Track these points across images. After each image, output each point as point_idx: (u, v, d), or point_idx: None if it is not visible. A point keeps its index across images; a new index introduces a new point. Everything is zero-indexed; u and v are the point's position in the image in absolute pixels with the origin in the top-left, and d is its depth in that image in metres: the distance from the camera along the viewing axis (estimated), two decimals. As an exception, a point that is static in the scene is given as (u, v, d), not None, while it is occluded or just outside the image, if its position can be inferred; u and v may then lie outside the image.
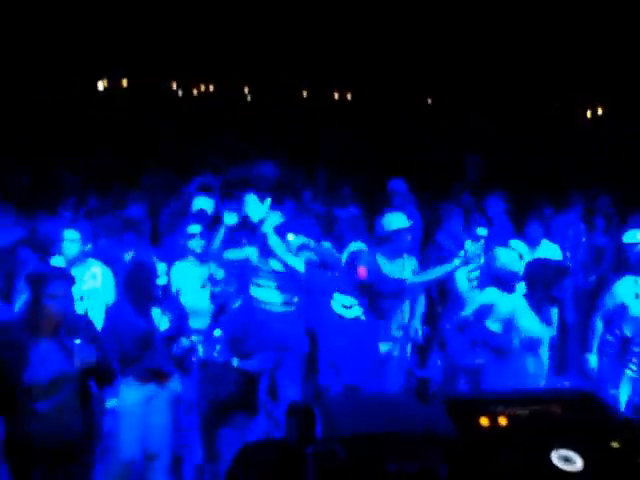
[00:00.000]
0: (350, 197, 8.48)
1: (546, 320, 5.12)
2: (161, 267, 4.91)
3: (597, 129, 17.37)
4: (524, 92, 17.66)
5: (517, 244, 6.48)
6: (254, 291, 5.67)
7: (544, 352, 5.13)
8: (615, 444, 2.96)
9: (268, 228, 5.47)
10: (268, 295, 5.62)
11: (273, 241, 5.44)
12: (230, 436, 5.05)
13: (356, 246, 6.21)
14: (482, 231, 6.53)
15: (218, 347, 4.96)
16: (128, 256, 5.82)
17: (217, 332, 5.01)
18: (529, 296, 5.08)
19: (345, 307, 5.13)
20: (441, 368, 6.25)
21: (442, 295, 6.60)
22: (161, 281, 4.88)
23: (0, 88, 17.91)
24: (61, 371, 3.87)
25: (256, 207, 5.49)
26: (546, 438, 2.99)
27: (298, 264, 5.50)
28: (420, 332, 6.05)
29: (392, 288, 5.59)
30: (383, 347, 5.63)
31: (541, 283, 5.04)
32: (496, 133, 15.45)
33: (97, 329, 4.25)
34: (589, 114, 20.03)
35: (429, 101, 20.25)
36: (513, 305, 5.08)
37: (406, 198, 7.99)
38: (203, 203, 6.81)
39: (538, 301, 5.04)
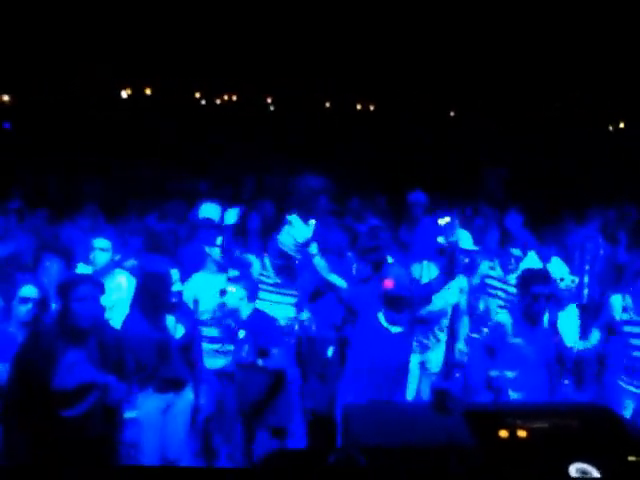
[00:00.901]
0: (368, 210, 8.51)
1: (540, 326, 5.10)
2: (174, 273, 4.90)
3: (619, 142, 17.26)
4: (546, 105, 17.59)
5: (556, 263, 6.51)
6: (261, 304, 5.66)
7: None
8: (632, 458, 2.98)
9: (314, 249, 5.55)
10: (278, 311, 5.62)
11: (318, 261, 5.52)
12: (264, 439, 5.06)
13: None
14: (516, 252, 6.50)
15: (246, 347, 4.99)
16: (130, 263, 5.87)
17: (241, 333, 5.00)
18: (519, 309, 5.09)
19: (391, 321, 5.15)
20: (461, 380, 6.24)
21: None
22: (175, 287, 4.88)
23: (26, 95, 18.18)
24: (87, 380, 3.90)
25: (301, 228, 5.56)
26: (564, 451, 3.02)
27: (339, 281, 5.59)
28: (465, 355, 6.00)
29: (422, 292, 5.63)
30: (415, 359, 5.63)
31: (527, 294, 5.04)
32: (517, 146, 15.40)
33: (125, 341, 4.27)
34: (611, 127, 19.93)
35: (451, 113, 20.22)
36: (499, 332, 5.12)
37: (426, 209, 8.00)
38: (209, 211, 6.85)
39: (529, 313, 5.04)
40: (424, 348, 5.79)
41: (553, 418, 3.33)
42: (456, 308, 5.98)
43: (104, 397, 3.88)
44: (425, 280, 5.90)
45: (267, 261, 5.76)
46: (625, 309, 5.39)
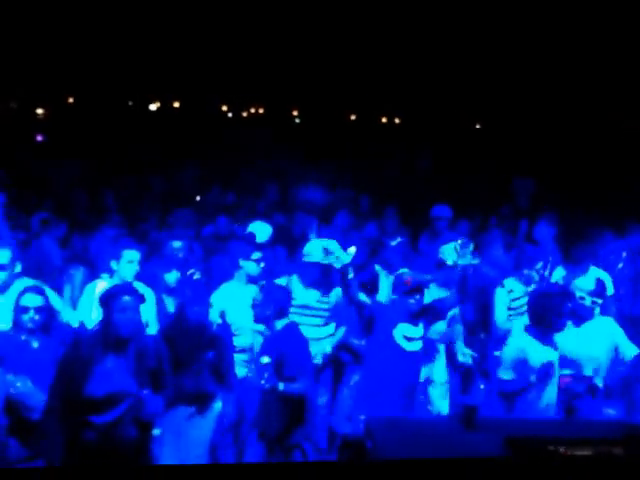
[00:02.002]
0: (396, 224, 8.53)
1: (552, 346, 5.07)
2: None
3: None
4: (580, 112, 17.46)
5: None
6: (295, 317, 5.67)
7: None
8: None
9: (352, 274, 5.62)
10: (310, 331, 5.65)
11: (352, 283, 5.56)
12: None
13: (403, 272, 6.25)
14: (539, 266, 6.47)
15: (266, 374, 4.98)
16: (171, 277, 5.93)
17: (264, 359, 4.97)
18: (533, 328, 5.06)
19: (407, 338, 5.16)
20: (484, 393, 6.20)
21: (484, 322, 6.54)
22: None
23: (59, 108, 18.52)
24: (119, 389, 4.00)
25: (340, 254, 5.62)
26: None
27: (365, 298, 5.63)
28: (469, 357, 5.99)
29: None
30: (425, 371, 5.62)
31: (545, 315, 5.01)
32: (548, 156, 15.26)
33: (165, 351, 4.31)
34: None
35: (477, 126, 20.16)
36: (517, 344, 5.08)
37: (450, 224, 8.00)
38: (258, 228, 6.98)
39: (543, 332, 5.01)
40: (428, 360, 5.76)
41: (596, 445, 3.25)
42: (451, 317, 5.98)
43: (138, 410, 3.97)
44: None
45: (296, 280, 5.78)
46: None
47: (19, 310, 4.66)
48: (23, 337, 4.65)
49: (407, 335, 5.21)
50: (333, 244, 5.76)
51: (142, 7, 16.20)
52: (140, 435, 4.17)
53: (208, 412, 4.88)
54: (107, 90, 18.43)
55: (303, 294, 5.73)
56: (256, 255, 5.96)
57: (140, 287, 5.44)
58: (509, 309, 6.30)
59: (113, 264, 5.65)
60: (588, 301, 5.64)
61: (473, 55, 16.83)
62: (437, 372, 5.86)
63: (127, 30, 16.52)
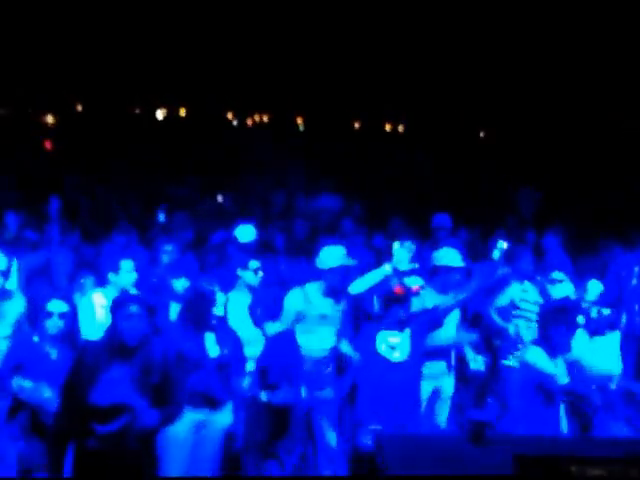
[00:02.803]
0: (400, 231, 8.56)
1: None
2: (221, 297, 4.98)
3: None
4: (586, 120, 17.47)
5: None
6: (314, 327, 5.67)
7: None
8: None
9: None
10: (308, 341, 5.65)
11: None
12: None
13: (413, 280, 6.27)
14: (558, 275, 6.48)
15: (248, 379, 4.91)
16: (180, 283, 5.96)
17: (250, 364, 4.95)
18: (542, 341, 5.06)
19: (390, 348, 5.12)
20: (495, 407, 6.19)
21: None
22: (219, 311, 4.96)
23: (68, 115, 18.59)
24: (123, 400, 4.00)
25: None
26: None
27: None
28: (481, 363, 5.98)
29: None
30: (428, 386, 5.59)
31: (552, 327, 5.01)
32: (555, 165, 15.26)
33: (172, 363, 4.30)
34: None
35: (481, 134, 20.18)
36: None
37: (450, 234, 8.01)
38: (244, 233, 6.96)
39: (553, 345, 5.01)
40: (436, 374, 5.72)
41: (611, 465, 3.24)
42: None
43: (134, 421, 3.97)
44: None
45: (314, 289, 5.74)
46: None
47: (43, 315, 4.72)
48: (46, 347, 4.69)
49: (390, 343, 5.15)
50: (341, 251, 5.76)
51: (149, 15, 16.29)
52: (144, 449, 4.16)
53: (217, 422, 4.84)
54: (115, 97, 18.50)
55: (321, 303, 5.70)
56: (254, 264, 5.95)
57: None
58: (514, 307, 6.32)
59: (111, 276, 5.68)
60: (594, 312, 5.67)
61: (477, 63, 16.87)
62: (446, 385, 5.85)
63: (134, 38, 16.60)
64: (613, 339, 5.72)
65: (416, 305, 5.53)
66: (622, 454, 3.41)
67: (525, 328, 6.33)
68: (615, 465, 3.19)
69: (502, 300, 6.36)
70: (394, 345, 5.14)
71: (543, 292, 6.49)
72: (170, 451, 4.68)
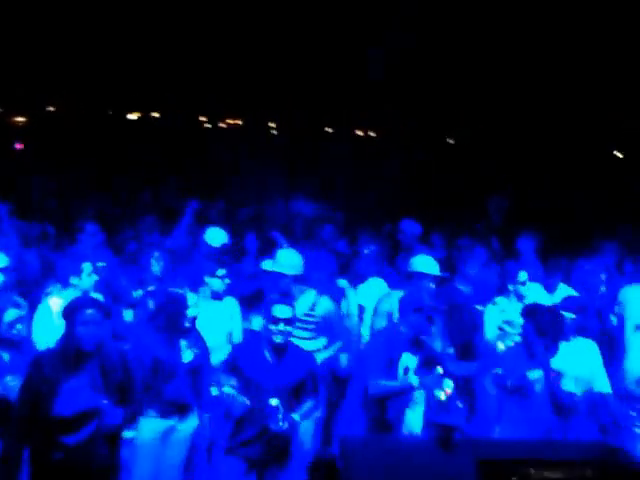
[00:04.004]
0: (370, 236, 8.57)
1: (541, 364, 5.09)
2: (192, 298, 4.94)
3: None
4: (555, 129, 17.67)
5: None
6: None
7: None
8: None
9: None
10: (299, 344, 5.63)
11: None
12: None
13: (374, 283, 6.28)
14: (524, 275, 6.44)
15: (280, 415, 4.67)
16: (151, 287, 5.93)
17: (274, 401, 4.68)
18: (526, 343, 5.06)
19: (405, 370, 5.06)
20: (464, 412, 6.20)
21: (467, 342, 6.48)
22: (191, 312, 4.91)
23: (38, 117, 18.41)
24: (87, 407, 3.92)
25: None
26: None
27: None
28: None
29: None
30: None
31: (539, 330, 5.01)
32: (524, 173, 15.42)
33: (131, 367, 4.24)
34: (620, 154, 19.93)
35: (451, 141, 20.34)
36: None
37: (416, 239, 7.99)
38: (218, 236, 6.90)
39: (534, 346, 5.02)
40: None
41: (567, 468, 3.28)
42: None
43: (100, 425, 3.90)
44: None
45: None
46: None
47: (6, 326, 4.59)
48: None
49: (408, 365, 5.09)
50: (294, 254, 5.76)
51: (123, 16, 16.20)
52: (112, 453, 4.10)
53: (184, 428, 4.81)
54: (87, 99, 18.35)
55: (296, 307, 5.70)
56: (221, 272, 5.94)
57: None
58: (500, 329, 6.25)
59: (73, 279, 5.60)
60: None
61: (448, 69, 16.97)
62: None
63: (107, 40, 16.49)
64: (582, 345, 5.72)
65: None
66: (582, 456, 3.48)
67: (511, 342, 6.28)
68: (573, 468, 3.25)
69: (490, 331, 6.29)
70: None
71: (520, 298, 6.45)
72: (137, 458, 4.65)
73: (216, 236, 6.91)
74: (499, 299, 6.40)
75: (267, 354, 4.73)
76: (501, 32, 15.97)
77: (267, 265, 5.96)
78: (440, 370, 4.96)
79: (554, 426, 5.05)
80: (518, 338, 6.00)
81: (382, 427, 4.91)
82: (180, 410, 4.79)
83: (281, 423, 4.53)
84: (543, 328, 5.01)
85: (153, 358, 4.65)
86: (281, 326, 4.70)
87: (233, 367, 4.63)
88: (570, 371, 5.32)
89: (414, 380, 4.96)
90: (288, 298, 5.46)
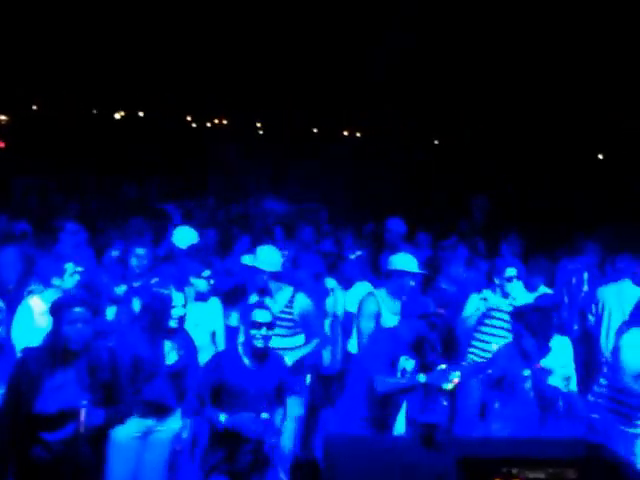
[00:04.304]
0: (354, 239, 8.57)
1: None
2: (179, 298, 4.85)
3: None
4: (540, 131, 17.77)
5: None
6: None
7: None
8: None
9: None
10: (276, 341, 5.62)
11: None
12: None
13: (361, 287, 6.27)
14: (512, 271, 6.44)
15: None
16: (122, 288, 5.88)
17: (265, 415, 4.55)
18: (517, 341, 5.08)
19: (402, 372, 5.04)
20: (447, 409, 6.20)
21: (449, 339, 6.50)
22: (177, 312, 4.81)
23: (21, 115, 18.32)
24: (71, 404, 3.86)
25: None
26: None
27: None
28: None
29: None
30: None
31: (532, 329, 5.03)
32: (508, 173, 15.51)
33: (119, 365, 4.16)
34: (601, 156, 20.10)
35: (436, 142, 20.44)
36: None
37: (401, 238, 7.97)
38: (187, 236, 6.85)
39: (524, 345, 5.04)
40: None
41: (550, 466, 3.27)
42: None
43: (78, 422, 3.85)
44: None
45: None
46: None
47: None
48: None
49: (407, 367, 5.08)
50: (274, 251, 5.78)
51: (110, 16, 16.14)
52: (96, 452, 4.06)
53: (164, 429, 4.71)
54: (72, 98, 18.27)
55: (273, 304, 5.68)
56: (207, 273, 5.91)
57: None
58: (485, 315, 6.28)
59: (56, 280, 5.55)
60: None
61: (433, 72, 17.05)
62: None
63: (94, 39, 16.43)
64: (559, 343, 5.76)
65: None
66: (563, 454, 3.47)
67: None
68: (555, 467, 3.24)
69: (468, 311, 6.31)
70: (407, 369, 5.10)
71: (505, 295, 6.46)
72: (116, 456, 4.58)
73: (184, 236, 6.80)
74: (485, 291, 6.40)
75: (246, 360, 4.69)
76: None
77: (247, 260, 5.94)
78: (443, 366, 4.98)
79: (542, 423, 5.08)
80: (503, 331, 6.06)
81: (380, 426, 4.92)
82: (159, 411, 4.69)
83: (274, 439, 4.49)
84: (534, 328, 5.03)
85: (134, 356, 4.57)
86: (263, 330, 4.68)
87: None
88: (554, 367, 5.34)
89: (421, 378, 4.98)
90: (265, 294, 5.46)
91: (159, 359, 4.63)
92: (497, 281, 6.29)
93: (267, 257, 5.67)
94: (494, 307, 6.08)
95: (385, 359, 4.90)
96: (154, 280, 5.52)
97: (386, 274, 6.04)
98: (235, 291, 6.11)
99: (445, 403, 6.22)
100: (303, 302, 5.66)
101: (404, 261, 5.95)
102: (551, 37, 15.54)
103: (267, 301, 5.62)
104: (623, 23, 14.45)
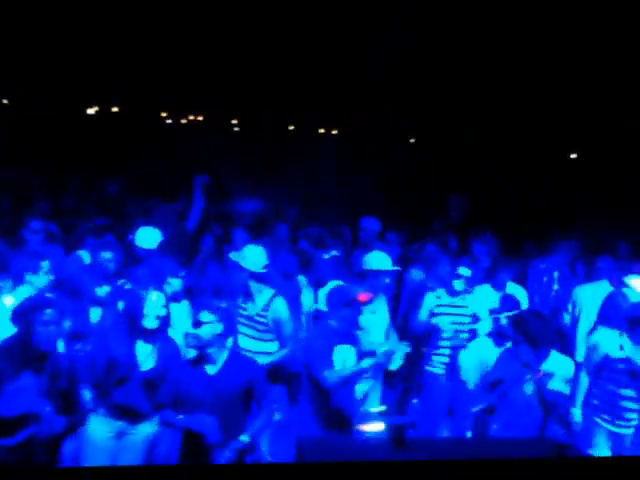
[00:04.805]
0: (329, 238, 8.59)
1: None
2: (160, 298, 4.75)
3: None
4: (512, 131, 17.87)
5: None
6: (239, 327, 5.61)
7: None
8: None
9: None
10: (244, 340, 5.59)
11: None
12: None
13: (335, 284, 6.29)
14: (465, 271, 6.53)
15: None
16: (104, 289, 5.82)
17: (245, 437, 4.52)
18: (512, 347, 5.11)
19: (344, 362, 5.02)
20: (418, 409, 6.25)
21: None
22: (156, 312, 4.70)
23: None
24: (31, 409, 3.81)
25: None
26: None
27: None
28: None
29: None
30: (362, 387, 5.60)
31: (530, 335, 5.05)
32: (483, 172, 15.61)
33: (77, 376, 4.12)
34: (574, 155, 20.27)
35: (412, 140, 20.50)
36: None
37: (375, 237, 8.04)
38: (150, 237, 6.78)
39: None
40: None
41: (511, 466, 3.29)
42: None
43: (40, 430, 3.80)
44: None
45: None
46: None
47: None
48: None
49: (346, 358, 5.07)
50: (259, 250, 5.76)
51: (83, 8, 15.95)
52: (50, 460, 4.00)
53: (138, 432, 4.65)
54: (44, 93, 18.05)
55: (251, 305, 5.67)
56: (182, 273, 5.90)
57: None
58: (433, 313, 6.36)
59: (29, 276, 5.49)
60: (502, 319, 5.84)
61: (408, 68, 17.05)
62: (373, 389, 5.87)
63: (65, 31, 16.24)
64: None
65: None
66: (526, 454, 3.52)
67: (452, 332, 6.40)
68: (516, 467, 3.28)
69: (422, 313, 6.38)
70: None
71: (452, 293, 6.55)
72: (89, 454, 4.54)
73: (147, 237, 6.72)
74: (440, 290, 6.51)
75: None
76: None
77: (233, 255, 5.93)
78: (384, 348, 5.08)
79: (543, 427, 5.13)
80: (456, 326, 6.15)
81: (337, 422, 4.93)
82: (129, 415, 4.60)
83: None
84: (533, 336, 5.08)
85: (108, 358, 4.51)
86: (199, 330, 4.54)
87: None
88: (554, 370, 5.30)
89: (365, 363, 5.02)
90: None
91: (132, 363, 4.55)
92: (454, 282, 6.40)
93: (251, 256, 5.68)
94: (445, 304, 6.21)
95: (323, 352, 4.91)
96: (121, 281, 5.50)
97: (361, 274, 6.07)
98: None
99: (415, 401, 6.31)
100: (279, 308, 5.64)
101: (378, 260, 6.00)
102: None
103: (243, 302, 5.62)
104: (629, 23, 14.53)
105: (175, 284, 5.81)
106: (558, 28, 15.06)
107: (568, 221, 10.51)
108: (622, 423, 5.20)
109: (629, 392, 5.19)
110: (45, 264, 5.53)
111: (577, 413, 5.26)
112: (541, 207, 12.20)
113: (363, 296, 5.22)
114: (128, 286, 5.56)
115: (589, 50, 15.17)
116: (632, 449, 5.06)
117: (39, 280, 5.47)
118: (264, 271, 5.73)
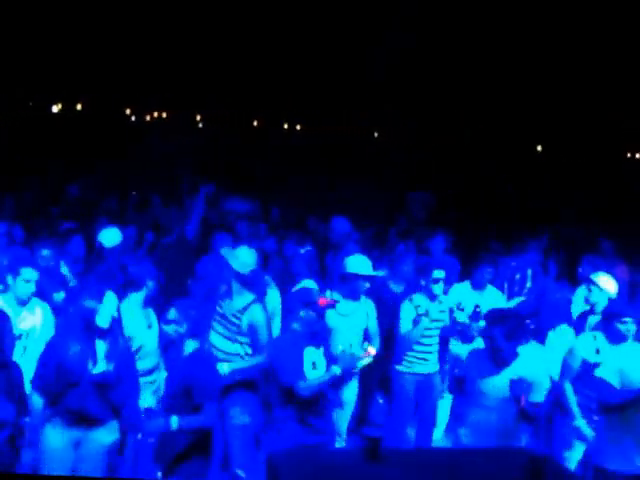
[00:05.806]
0: (302, 235, 8.54)
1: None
2: (111, 298, 4.67)
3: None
4: (479, 127, 18.03)
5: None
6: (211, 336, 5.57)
7: None
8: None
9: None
10: (215, 337, 5.57)
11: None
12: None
13: (306, 284, 6.28)
14: (439, 273, 6.49)
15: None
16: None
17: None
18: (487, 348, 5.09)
19: (313, 365, 5.01)
20: (385, 407, 6.24)
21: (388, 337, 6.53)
22: (106, 311, 4.63)
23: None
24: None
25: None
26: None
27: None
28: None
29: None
30: (333, 394, 5.59)
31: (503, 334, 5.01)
32: (446, 169, 15.70)
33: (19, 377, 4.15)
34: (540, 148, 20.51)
35: (376, 134, 20.57)
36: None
37: (347, 237, 7.96)
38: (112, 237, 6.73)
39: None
40: (338, 381, 5.66)
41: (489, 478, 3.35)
42: (366, 332, 6.05)
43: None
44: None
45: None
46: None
47: None
48: None
49: (314, 359, 5.06)
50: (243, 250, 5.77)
51: (51, 7, 15.70)
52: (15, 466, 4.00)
53: (96, 439, 4.54)
54: (8, 90, 17.73)
55: (228, 304, 5.63)
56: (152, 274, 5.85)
57: (37, 304, 5.18)
58: (413, 322, 6.29)
59: (9, 279, 5.39)
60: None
61: (372, 64, 17.09)
62: (349, 392, 5.86)
63: (31, 29, 15.96)
64: (535, 351, 5.77)
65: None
66: (504, 466, 3.50)
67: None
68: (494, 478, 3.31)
69: (404, 325, 6.34)
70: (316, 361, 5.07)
71: (432, 297, 6.51)
72: (47, 465, 4.46)
73: (109, 237, 6.65)
74: (415, 296, 6.43)
75: None
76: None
77: (225, 252, 5.87)
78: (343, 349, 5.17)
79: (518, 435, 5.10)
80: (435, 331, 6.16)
81: (313, 432, 4.94)
82: (83, 421, 4.51)
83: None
84: (510, 333, 5.03)
85: (58, 363, 4.42)
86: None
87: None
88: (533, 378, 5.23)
89: (336, 369, 5.05)
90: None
91: (82, 366, 4.46)
92: (423, 282, 6.33)
93: (240, 257, 5.60)
94: (425, 312, 6.15)
95: (290, 355, 4.93)
96: (72, 283, 5.44)
97: (341, 277, 6.03)
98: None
99: (381, 401, 6.28)
100: (256, 314, 5.55)
101: (358, 264, 5.95)
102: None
103: (221, 300, 5.59)
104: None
105: (150, 285, 5.77)
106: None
107: (540, 219, 10.57)
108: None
109: None
110: (28, 271, 5.39)
111: (582, 423, 5.31)
112: (514, 204, 12.33)
113: (323, 300, 5.21)
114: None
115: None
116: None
117: (19, 286, 5.39)
118: (249, 275, 5.69)
